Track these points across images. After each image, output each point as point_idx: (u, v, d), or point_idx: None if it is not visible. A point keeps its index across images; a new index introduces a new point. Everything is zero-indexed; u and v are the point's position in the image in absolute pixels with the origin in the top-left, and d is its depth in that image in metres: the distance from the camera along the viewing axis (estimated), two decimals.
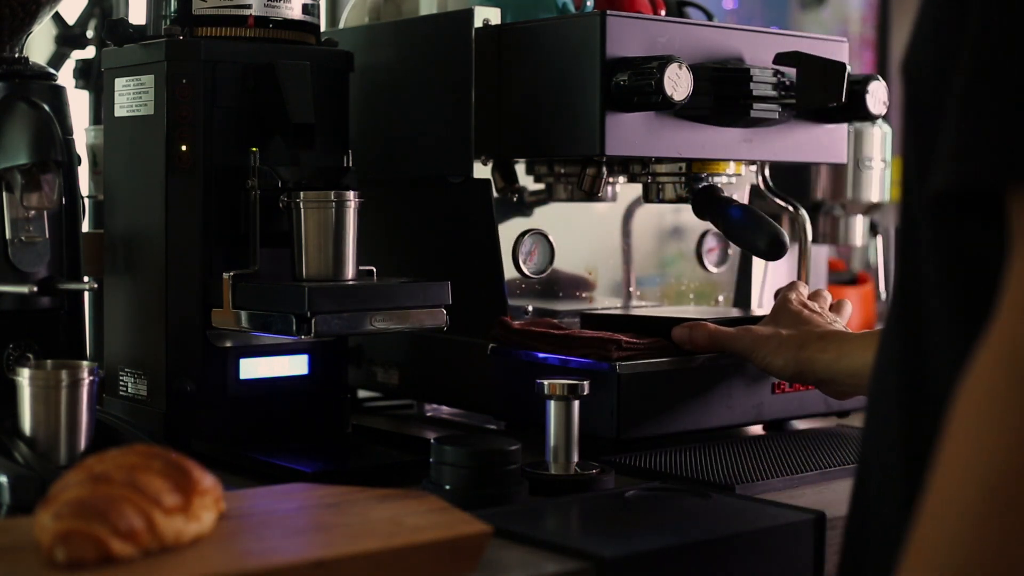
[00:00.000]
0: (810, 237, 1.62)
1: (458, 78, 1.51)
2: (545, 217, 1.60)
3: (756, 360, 1.41)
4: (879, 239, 2.28)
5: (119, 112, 1.43)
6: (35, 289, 1.32)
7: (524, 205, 1.59)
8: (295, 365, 1.44)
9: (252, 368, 1.41)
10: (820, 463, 1.36)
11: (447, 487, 1.17)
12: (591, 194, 1.52)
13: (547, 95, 1.43)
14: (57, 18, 1.83)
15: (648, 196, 1.55)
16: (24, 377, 1.17)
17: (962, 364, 0.67)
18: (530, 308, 1.59)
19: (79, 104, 1.71)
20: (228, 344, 1.39)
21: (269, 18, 1.41)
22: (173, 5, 1.40)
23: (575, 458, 1.26)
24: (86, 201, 1.54)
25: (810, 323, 1.43)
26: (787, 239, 1.44)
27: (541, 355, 1.45)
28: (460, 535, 0.97)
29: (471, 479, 1.17)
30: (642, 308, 1.64)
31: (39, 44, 1.85)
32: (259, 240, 1.36)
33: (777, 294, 1.51)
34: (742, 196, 1.69)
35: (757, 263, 1.68)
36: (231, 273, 1.33)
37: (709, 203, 1.50)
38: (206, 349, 1.38)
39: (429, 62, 1.56)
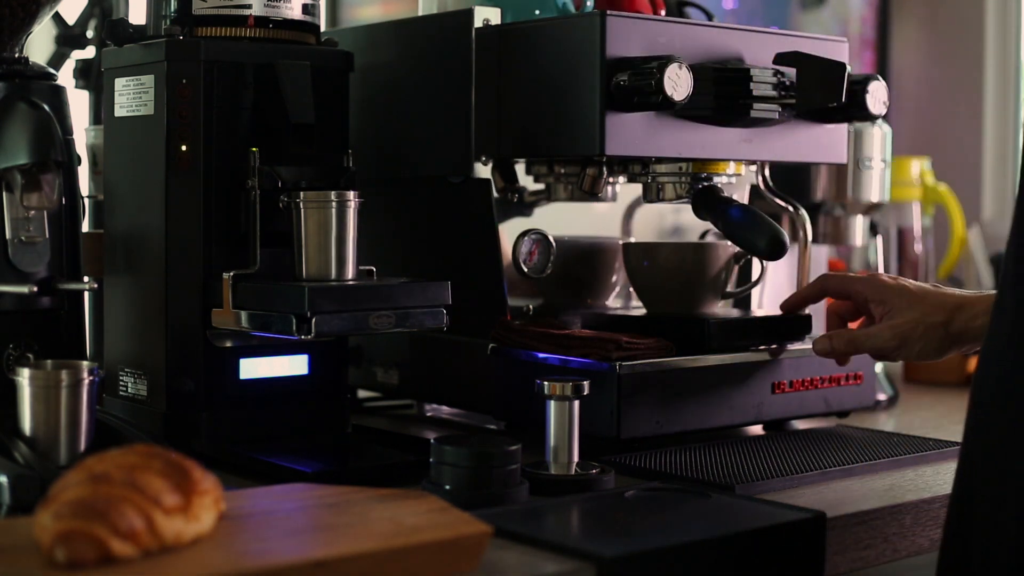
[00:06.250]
0: (810, 237, 1.62)
1: (458, 78, 1.51)
2: (545, 217, 1.60)
3: (905, 353, 1.40)
4: (879, 239, 2.28)
5: (119, 112, 1.43)
6: (35, 289, 1.32)
7: (524, 205, 1.59)
8: (295, 365, 1.44)
9: (252, 368, 1.41)
10: (820, 463, 1.36)
11: (447, 487, 1.17)
12: (591, 194, 1.52)
13: (547, 95, 1.43)
14: (57, 18, 1.83)
15: (648, 196, 1.55)
16: (24, 377, 1.17)
17: None
18: (530, 308, 1.59)
19: (79, 104, 1.71)
20: (228, 344, 1.39)
21: (269, 18, 1.41)
22: (173, 5, 1.40)
23: (575, 458, 1.27)
24: (86, 201, 1.54)
25: (927, 296, 1.40)
26: (787, 239, 1.44)
27: (541, 355, 1.45)
28: (460, 535, 0.97)
29: (471, 479, 1.17)
30: (642, 308, 1.64)
31: (39, 44, 1.85)
32: (259, 240, 1.36)
33: (821, 289, 1.49)
34: (742, 196, 1.69)
35: (757, 263, 1.68)
36: (231, 273, 1.33)
37: (709, 203, 1.50)
38: (206, 349, 1.38)
39: (429, 62, 1.56)
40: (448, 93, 1.52)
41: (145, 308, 1.41)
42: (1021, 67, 3.37)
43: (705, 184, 1.51)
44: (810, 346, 1.55)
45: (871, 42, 3.49)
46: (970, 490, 1.06)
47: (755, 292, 1.69)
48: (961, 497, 1.07)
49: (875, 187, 1.88)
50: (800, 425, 1.60)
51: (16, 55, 1.37)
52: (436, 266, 1.61)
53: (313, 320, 1.27)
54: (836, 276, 1.50)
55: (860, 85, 1.52)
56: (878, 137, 1.87)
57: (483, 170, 1.50)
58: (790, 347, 1.54)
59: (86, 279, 1.36)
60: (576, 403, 1.26)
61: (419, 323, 1.34)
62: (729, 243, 1.54)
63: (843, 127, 1.60)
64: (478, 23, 1.49)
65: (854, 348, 1.43)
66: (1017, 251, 1.05)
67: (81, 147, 1.51)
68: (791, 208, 1.64)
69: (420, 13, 1.66)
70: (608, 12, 1.38)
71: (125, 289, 1.44)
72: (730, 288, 1.61)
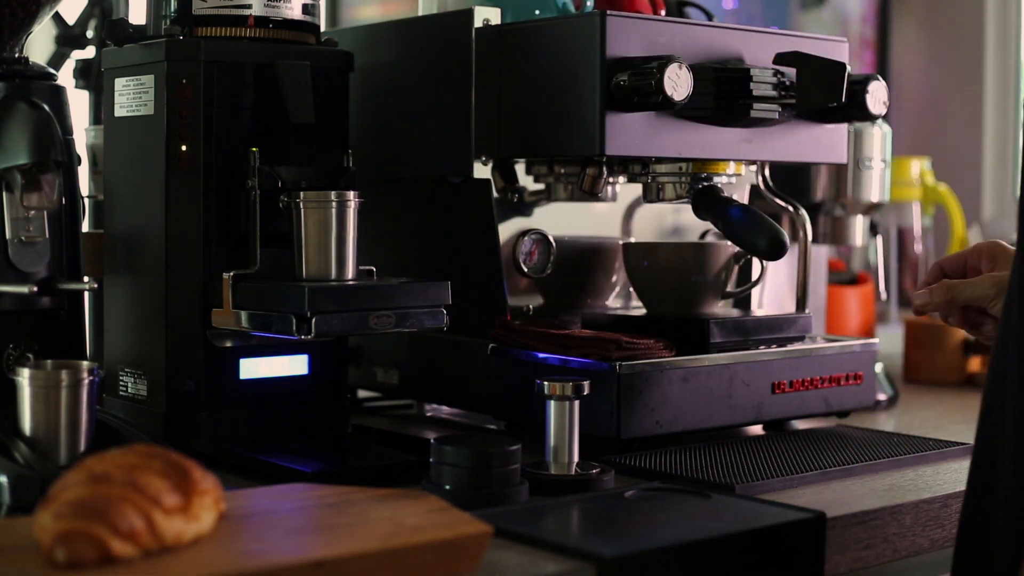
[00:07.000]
0: (810, 237, 1.62)
1: (458, 78, 1.51)
2: (545, 217, 1.60)
3: (1000, 308, 1.31)
4: (879, 239, 2.28)
5: (119, 112, 1.43)
6: (35, 289, 1.32)
7: (524, 205, 1.59)
8: (295, 365, 1.44)
9: (252, 368, 1.41)
10: (820, 463, 1.36)
11: (447, 487, 1.17)
12: (591, 194, 1.52)
13: (547, 95, 1.43)
14: (57, 18, 1.83)
15: (648, 196, 1.55)
16: (24, 377, 1.17)
17: None
18: (530, 308, 1.59)
19: (79, 104, 1.71)
20: (228, 344, 1.39)
21: (269, 18, 1.41)
22: (173, 5, 1.40)
23: (575, 458, 1.27)
24: (86, 201, 1.54)
25: None
26: (787, 239, 1.44)
27: (541, 355, 1.45)
28: (460, 535, 0.97)
29: (471, 479, 1.17)
30: (642, 308, 1.64)
31: (39, 44, 1.85)
32: (259, 240, 1.36)
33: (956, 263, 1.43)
34: (742, 196, 1.69)
35: (757, 263, 1.68)
36: (231, 273, 1.33)
37: (709, 203, 1.50)
38: (206, 349, 1.38)
39: (429, 62, 1.56)
40: (448, 93, 1.52)
41: (145, 308, 1.41)
42: (1021, 67, 3.37)
43: (705, 184, 1.51)
44: (810, 346, 1.56)
45: (871, 42, 3.48)
46: (980, 486, 1.07)
47: (755, 292, 1.69)
48: (974, 493, 1.08)
49: (875, 187, 1.88)
50: (800, 425, 1.60)
51: (16, 55, 1.37)
52: (436, 266, 1.62)
53: (313, 320, 1.27)
54: (949, 256, 1.44)
55: (860, 85, 1.52)
56: (878, 137, 1.87)
57: (483, 170, 1.50)
58: (790, 347, 1.54)
59: (86, 279, 1.36)
60: (576, 403, 1.26)
61: (419, 323, 1.34)
62: (729, 243, 1.54)
63: (843, 127, 1.60)
64: (478, 23, 1.49)
65: (951, 297, 1.38)
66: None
67: (81, 147, 1.51)
68: (791, 208, 1.64)
69: (420, 13, 1.66)
70: (608, 12, 1.38)
71: (125, 289, 1.44)
72: (730, 288, 1.61)
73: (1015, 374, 1.05)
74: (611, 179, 1.58)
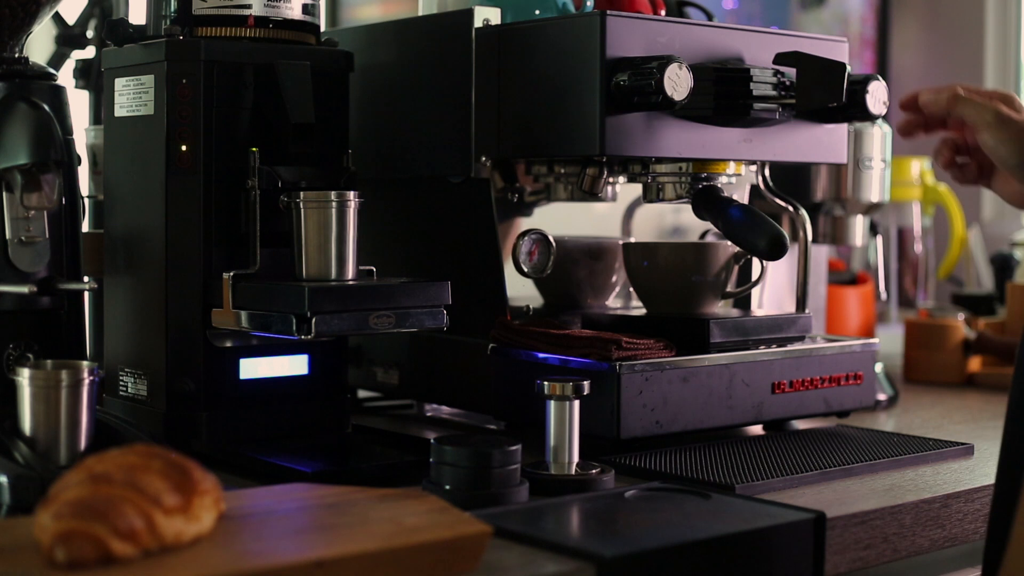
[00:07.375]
0: (810, 237, 1.62)
1: (458, 78, 1.51)
2: (545, 217, 1.60)
3: (987, 138, 1.34)
4: (879, 239, 2.28)
5: (119, 112, 1.43)
6: (35, 289, 1.32)
7: (524, 205, 1.59)
8: (295, 365, 1.44)
9: (252, 368, 1.41)
10: (820, 463, 1.36)
11: (447, 487, 1.17)
12: (591, 194, 1.52)
13: (547, 95, 1.43)
14: (57, 18, 1.83)
15: (648, 196, 1.55)
16: (24, 377, 1.17)
17: None
18: (530, 308, 1.59)
19: (79, 104, 1.71)
20: (228, 344, 1.39)
21: (269, 18, 1.41)
22: (173, 5, 1.40)
23: (575, 458, 1.27)
24: (86, 201, 1.54)
25: None
26: (787, 239, 1.44)
27: (541, 355, 1.45)
28: (460, 535, 0.97)
29: (471, 479, 1.17)
30: (642, 308, 1.64)
31: (39, 44, 1.85)
32: (259, 240, 1.36)
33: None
34: (742, 196, 1.69)
35: (757, 263, 1.68)
36: (231, 273, 1.33)
37: (709, 203, 1.50)
38: (206, 349, 1.38)
39: (429, 62, 1.56)
40: (448, 93, 1.52)
41: (145, 308, 1.41)
42: (1021, 67, 3.37)
43: (705, 184, 1.51)
44: (810, 346, 1.56)
45: (871, 42, 3.48)
46: (1008, 488, 1.07)
47: (755, 292, 1.69)
48: (1002, 496, 1.08)
49: (875, 187, 1.88)
50: (800, 425, 1.60)
51: (16, 55, 1.37)
52: (436, 266, 1.62)
53: (313, 320, 1.27)
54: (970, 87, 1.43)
55: (860, 85, 1.53)
56: (878, 137, 1.87)
57: (483, 170, 1.50)
58: (790, 347, 1.54)
59: (86, 279, 1.36)
60: (576, 403, 1.26)
61: (419, 323, 1.34)
62: (729, 243, 1.54)
63: (843, 127, 1.60)
64: (478, 23, 1.49)
65: (953, 107, 1.37)
66: None
67: (81, 147, 1.51)
68: (791, 208, 1.64)
69: (420, 13, 1.66)
70: (608, 12, 1.38)
71: (125, 289, 1.44)
72: (730, 288, 1.61)
73: None
74: (611, 179, 1.57)
